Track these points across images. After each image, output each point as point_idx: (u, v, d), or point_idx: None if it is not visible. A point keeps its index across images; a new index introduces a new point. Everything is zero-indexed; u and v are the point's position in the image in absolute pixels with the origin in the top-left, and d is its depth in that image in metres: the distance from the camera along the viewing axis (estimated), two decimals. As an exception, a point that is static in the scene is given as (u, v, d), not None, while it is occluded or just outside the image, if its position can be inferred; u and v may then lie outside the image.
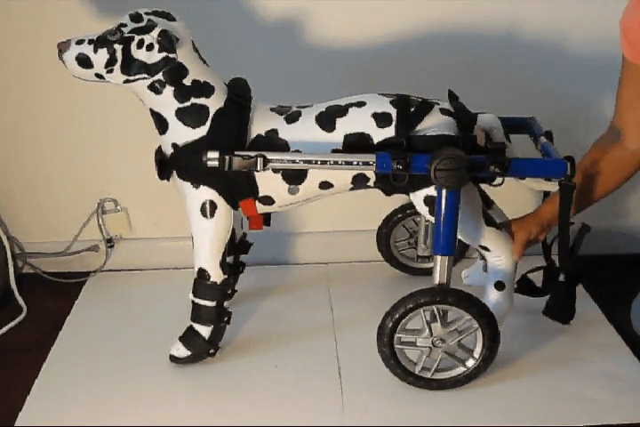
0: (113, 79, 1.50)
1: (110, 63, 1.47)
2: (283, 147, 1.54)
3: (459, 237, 1.59)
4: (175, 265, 2.11)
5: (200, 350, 1.70)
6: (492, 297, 1.68)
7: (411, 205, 1.62)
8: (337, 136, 1.53)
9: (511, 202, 1.79)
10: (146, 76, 1.49)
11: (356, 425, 1.56)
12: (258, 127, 1.55)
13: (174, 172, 1.59)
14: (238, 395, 1.64)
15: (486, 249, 1.66)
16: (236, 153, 1.50)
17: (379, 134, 1.53)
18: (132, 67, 1.48)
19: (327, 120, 1.54)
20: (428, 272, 1.67)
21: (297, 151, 1.53)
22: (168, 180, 1.61)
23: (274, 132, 1.55)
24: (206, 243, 1.61)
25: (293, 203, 1.62)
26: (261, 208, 1.62)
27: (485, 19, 1.90)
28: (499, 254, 1.66)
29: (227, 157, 1.49)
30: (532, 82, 1.97)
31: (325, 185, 1.59)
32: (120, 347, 1.80)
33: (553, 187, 1.66)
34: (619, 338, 1.79)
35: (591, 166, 1.63)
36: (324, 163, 1.50)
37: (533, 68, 1.96)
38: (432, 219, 1.56)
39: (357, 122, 1.53)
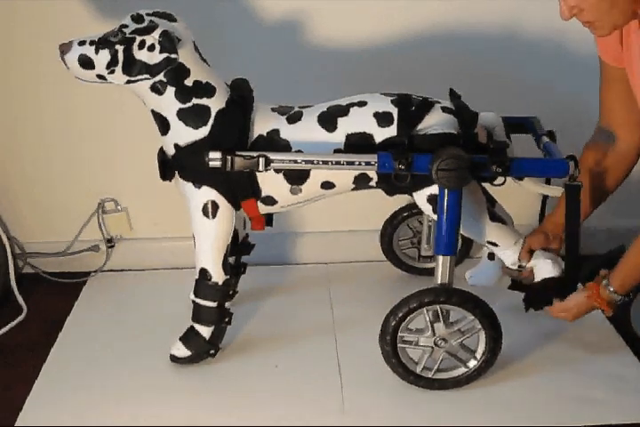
0: (115, 80, 1.50)
1: (112, 64, 1.48)
2: (284, 147, 1.54)
3: (466, 235, 1.59)
4: (175, 265, 2.11)
5: (200, 350, 1.70)
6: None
7: (416, 204, 1.62)
8: (338, 136, 1.53)
9: (512, 202, 1.79)
10: (147, 76, 1.49)
11: (356, 425, 1.56)
12: (259, 127, 1.55)
13: (176, 172, 1.59)
14: (239, 395, 1.64)
15: (494, 244, 1.66)
16: (238, 153, 1.50)
17: (380, 134, 1.53)
18: (133, 67, 1.48)
19: (329, 120, 1.55)
20: (430, 272, 1.67)
21: (299, 151, 1.53)
22: (170, 180, 1.61)
23: (275, 132, 1.55)
24: (208, 243, 1.61)
25: (295, 203, 1.62)
26: (263, 209, 1.62)
27: (487, 18, 1.90)
28: (507, 248, 1.66)
29: (228, 158, 1.49)
30: (534, 81, 1.97)
31: (327, 185, 1.59)
32: (120, 347, 1.80)
33: (551, 190, 1.67)
34: (619, 338, 1.79)
35: (596, 166, 1.63)
36: (325, 163, 1.50)
37: (535, 68, 1.97)
38: (436, 217, 1.56)
39: (359, 121, 1.54)
